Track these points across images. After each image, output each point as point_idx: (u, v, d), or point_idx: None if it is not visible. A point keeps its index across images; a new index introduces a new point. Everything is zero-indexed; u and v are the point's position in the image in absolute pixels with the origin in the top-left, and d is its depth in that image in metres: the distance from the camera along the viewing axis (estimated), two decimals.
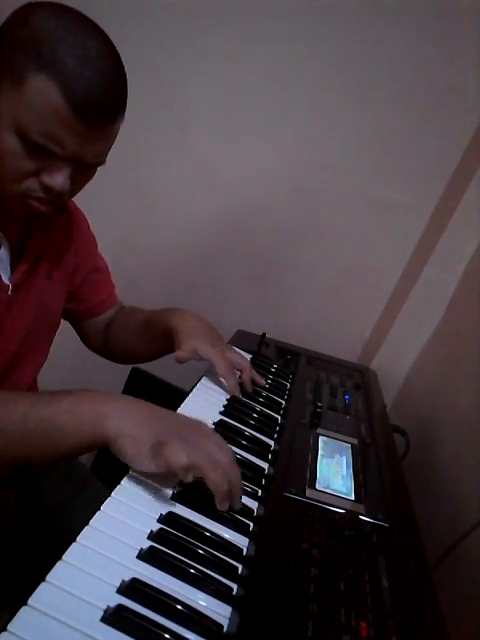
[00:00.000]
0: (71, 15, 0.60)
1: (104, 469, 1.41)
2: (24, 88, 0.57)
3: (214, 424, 0.78)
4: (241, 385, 0.89)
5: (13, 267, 0.74)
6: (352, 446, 0.84)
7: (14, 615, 0.40)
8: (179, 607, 0.46)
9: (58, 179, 0.63)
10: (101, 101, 0.60)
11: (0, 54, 0.59)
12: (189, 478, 0.56)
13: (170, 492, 0.60)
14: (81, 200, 0.81)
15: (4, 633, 0.39)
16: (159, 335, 0.89)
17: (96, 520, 0.52)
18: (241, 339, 1.19)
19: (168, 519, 0.56)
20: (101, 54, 0.60)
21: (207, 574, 0.51)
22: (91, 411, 0.57)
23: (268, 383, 1.00)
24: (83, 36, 0.59)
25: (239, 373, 0.90)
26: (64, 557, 0.47)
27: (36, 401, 0.58)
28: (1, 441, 0.57)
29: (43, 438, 0.57)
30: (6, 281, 0.73)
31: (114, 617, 0.43)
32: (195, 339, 0.83)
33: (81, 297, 0.94)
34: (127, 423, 0.57)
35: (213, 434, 0.62)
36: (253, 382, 0.93)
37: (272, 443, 0.80)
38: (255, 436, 0.79)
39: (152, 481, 0.60)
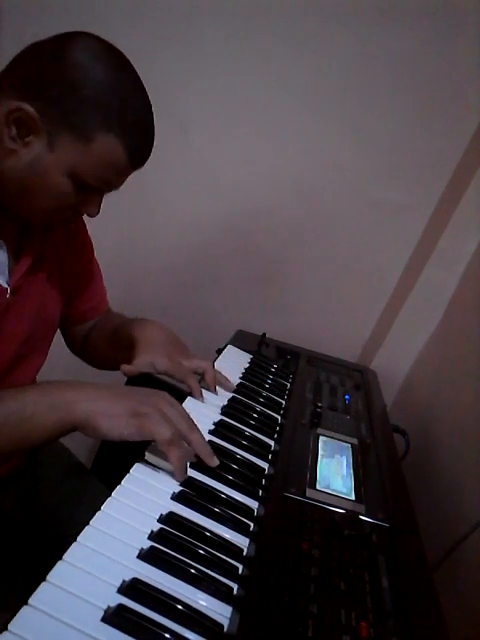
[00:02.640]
0: (120, 63, 0.65)
1: (104, 469, 1.41)
2: (92, 145, 0.63)
3: (214, 424, 0.78)
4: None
5: (12, 270, 0.74)
6: (352, 446, 0.85)
7: (15, 615, 0.40)
8: (179, 607, 0.46)
9: (96, 210, 0.72)
10: (150, 148, 0.70)
11: (59, 107, 0.61)
12: (174, 453, 0.61)
13: (170, 492, 0.60)
14: None
15: (5, 633, 0.39)
16: (124, 345, 0.87)
17: (96, 520, 0.52)
18: (241, 339, 1.19)
19: (168, 519, 0.56)
20: (148, 101, 0.68)
21: (207, 574, 0.51)
22: (58, 398, 0.61)
23: (268, 383, 1.00)
24: (136, 88, 0.66)
25: (200, 377, 0.87)
26: (65, 557, 0.47)
27: (2, 397, 0.61)
28: None
29: (13, 430, 0.60)
30: (4, 284, 0.73)
31: (115, 617, 0.43)
32: (152, 352, 0.81)
33: (74, 302, 0.93)
34: (96, 403, 0.61)
35: (173, 400, 0.66)
36: (222, 385, 0.90)
37: (272, 443, 0.80)
38: (255, 436, 0.79)
39: (152, 481, 0.61)
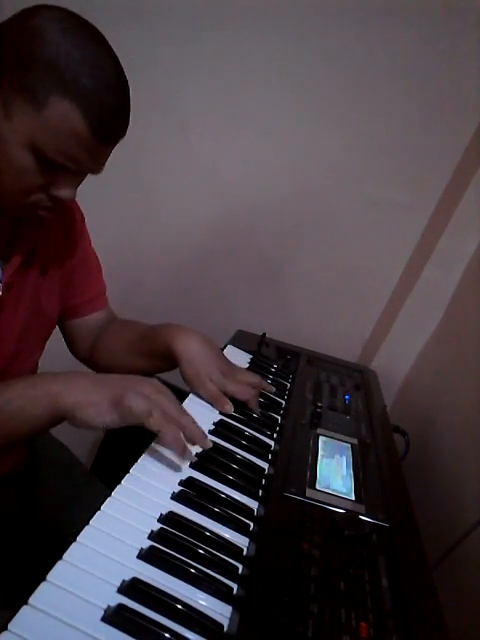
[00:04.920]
0: (82, 29, 0.61)
1: (104, 469, 1.41)
2: (46, 111, 0.58)
3: (214, 424, 0.78)
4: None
5: (4, 266, 0.73)
6: (352, 446, 0.84)
7: (15, 614, 0.40)
8: (179, 607, 0.46)
9: (69, 192, 0.66)
10: (117, 120, 0.63)
11: (13, 71, 0.58)
12: (154, 424, 0.61)
13: (170, 492, 0.60)
14: (81, 201, 0.81)
15: (5, 632, 0.39)
16: (158, 354, 0.86)
17: (96, 520, 0.52)
18: (241, 339, 1.19)
19: (168, 519, 0.56)
20: (115, 72, 0.62)
21: (207, 574, 0.51)
22: (43, 391, 0.62)
23: (268, 383, 1.00)
24: (99, 55, 0.61)
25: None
26: (64, 556, 0.47)
27: None
28: None
29: (2, 424, 0.61)
30: None
31: (114, 616, 0.43)
32: (202, 376, 0.82)
33: (70, 294, 0.89)
34: (81, 394, 0.62)
35: (161, 386, 0.67)
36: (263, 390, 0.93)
37: (272, 443, 0.80)
38: (255, 436, 0.79)
39: (152, 480, 0.61)
